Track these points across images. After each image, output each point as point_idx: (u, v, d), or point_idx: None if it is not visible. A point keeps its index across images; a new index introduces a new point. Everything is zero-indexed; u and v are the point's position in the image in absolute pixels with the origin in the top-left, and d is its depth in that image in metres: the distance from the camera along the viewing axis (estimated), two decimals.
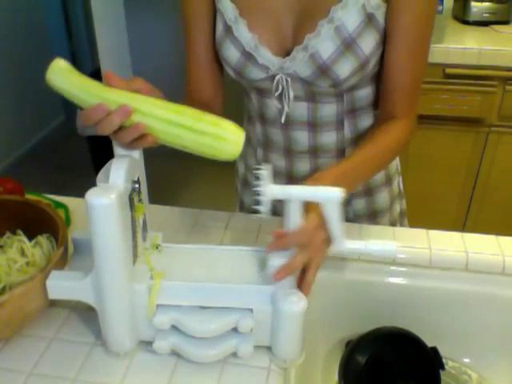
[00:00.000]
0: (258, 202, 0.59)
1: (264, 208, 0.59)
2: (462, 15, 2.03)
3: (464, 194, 1.96)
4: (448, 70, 1.74)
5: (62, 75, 0.58)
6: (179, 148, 0.60)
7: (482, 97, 1.77)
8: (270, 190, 0.58)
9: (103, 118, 0.57)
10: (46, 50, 3.43)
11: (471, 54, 1.72)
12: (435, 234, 0.84)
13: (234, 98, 0.98)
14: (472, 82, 1.75)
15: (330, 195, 0.59)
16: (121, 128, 0.58)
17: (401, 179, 1.03)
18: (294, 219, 0.60)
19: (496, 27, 1.96)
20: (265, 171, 0.59)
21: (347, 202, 0.96)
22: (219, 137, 0.59)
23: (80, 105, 0.58)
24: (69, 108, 3.53)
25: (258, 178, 0.59)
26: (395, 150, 0.83)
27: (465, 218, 2.01)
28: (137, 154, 0.63)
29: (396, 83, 0.81)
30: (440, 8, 1.84)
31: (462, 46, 1.74)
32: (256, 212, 0.60)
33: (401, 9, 0.76)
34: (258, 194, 0.59)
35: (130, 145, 0.60)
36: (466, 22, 2.01)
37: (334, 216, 0.60)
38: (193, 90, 0.90)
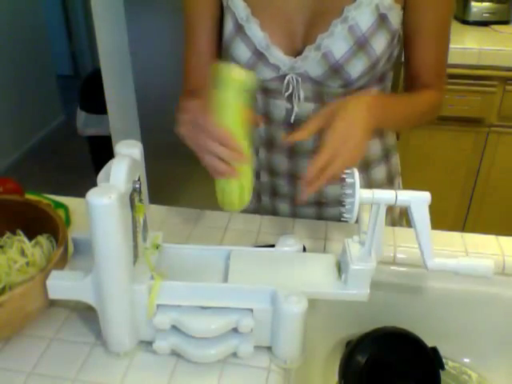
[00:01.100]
0: (346, 207, 0.59)
1: (352, 212, 0.59)
2: (461, 15, 2.03)
3: (464, 194, 1.96)
4: (448, 70, 1.74)
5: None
6: None
7: (482, 97, 1.77)
8: (360, 194, 0.58)
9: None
10: (46, 50, 3.43)
11: (471, 54, 1.72)
12: (435, 234, 0.84)
13: None
14: (472, 82, 1.75)
15: (418, 197, 0.60)
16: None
17: (401, 180, 1.03)
18: (380, 223, 0.61)
19: (496, 27, 1.96)
20: (353, 175, 0.59)
21: (325, 205, 0.96)
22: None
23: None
24: (69, 108, 3.53)
25: (346, 183, 0.60)
26: (427, 108, 0.86)
27: (465, 218, 2.01)
28: (137, 154, 0.63)
29: (424, 67, 0.85)
30: None
31: (462, 46, 1.74)
32: (342, 217, 0.60)
33: (422, 6, 0.78)
34: (347, 199, 0.59)
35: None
36: (465, 22, 2.01)
37: (423, 221, 0.60)
38: (190, 89, 0.90)
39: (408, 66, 0.87)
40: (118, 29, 2.12)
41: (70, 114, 3.49)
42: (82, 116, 2.83)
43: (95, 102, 2.63)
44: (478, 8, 1.98)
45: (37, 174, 2.98)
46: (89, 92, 2.81)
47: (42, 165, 3.15)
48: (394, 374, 0.74)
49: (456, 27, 1.99)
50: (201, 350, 0.62)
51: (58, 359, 0.64)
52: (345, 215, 0.60)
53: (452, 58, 1.70)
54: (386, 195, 0.59)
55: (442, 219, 1.48)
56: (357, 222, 0.66)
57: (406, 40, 0.84)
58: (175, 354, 0.64)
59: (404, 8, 0.79)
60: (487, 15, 1.99)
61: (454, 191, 1.96)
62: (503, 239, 0.83)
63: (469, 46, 1.75)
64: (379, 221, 0.61)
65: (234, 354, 0.64)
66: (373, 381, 0.74)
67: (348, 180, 0.60)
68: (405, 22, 0.81)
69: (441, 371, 0.72)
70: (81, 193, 0.60)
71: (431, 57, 0.85)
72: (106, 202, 0.54)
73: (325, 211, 0.97)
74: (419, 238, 0.61)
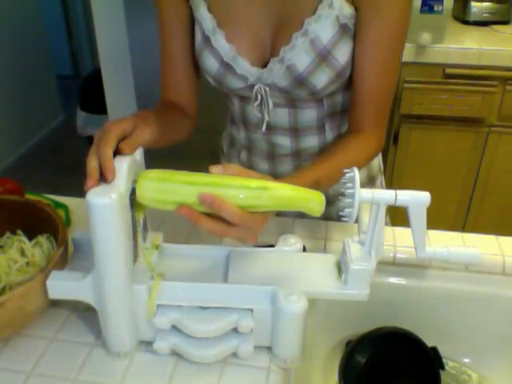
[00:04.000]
0: (346, 206, 0.59)
1: (353, 211, 0.58)
2: (461, 15, 2.03)
3: (464, 194, 1.96)
4: (448, 70, 1.74)
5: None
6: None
7: (482, 97, 1.77)
8: (360, 193, 0.58)
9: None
10: (46, 50, 3.43)
11: (471, 54, 1.72)
12: (435, 234, 0.84)
13: (220, 100, 0.99)
14: (472, 81, 1.75)
15: (418, 199, 0.59)
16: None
17: (383, 178, 1.04)
18: (380, 223, 0.61)
19: (496, 27, 1.96)
20: (353, 174, 0.59)
21: (331, 203, 0.96)
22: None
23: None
24: (69, 108, 3.53)
25: (346, 182, 0.60)
26: (358, 165, 0.81)
27: (465, 218, 2.01)
28: (138, 154, 0.63)
29: (364, 94, 0.80)
30: (440, 8, 1.84)
31: (462, 46, 1.74)
32: (342, 217, 0.59)
33: (370, 21, 0.75)
34: (347, 198, 0.59)
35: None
36: (466, 22, 2.01)
37: (419, 220, 0.60)
38: (168, 95, 0.90)
39: (353, 87, 0.81)
40: (118, 29, 2.12)
41: (70, 114, 3.49)
42: (81, 116, 2.83)
43: (95, 102, 2.63)
44: (477, 8, 1.98)
45: (37, 174, 2.98)
46: (89, 92, 2.81)
47: (42, 165, 3.15)
48: (394, 374, 0.75)
49: (456, 27, 1.99)
50: (201, 350, 0.62)
51: (58, 359, 0.64)
52: (344, 215, 0.60)
53: (452, 58, 1.73)
54: (385, 195, 0.59)
55: (441, 219, 1.49)
56: (356, 221, 0.66)
57: (353, 59, 0.79)
58: (175, 353, 0.64)
59: (356, 20, 0.76)
60: (487, 15, 1.99)
61: (453, 191, 1.96)
62: (503, 239, 0.83)
63: (469, 45, 1.75)
64: (379, 221, 0.61)
65: (234, 354, 0.64)
66: (373, 381, 0.75)
67: (348, 180, 0.60)
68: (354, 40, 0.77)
69: (441, 371, 0.72)
70: (81, 193, 0.60)
71: (374, 85, 0.79)
72: (106, 202, 0.54)
73: (331, 209, 0.97)
74: (414, 232, 0.62)
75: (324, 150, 0.91)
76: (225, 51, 0.80)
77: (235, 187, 0.57)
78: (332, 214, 0.97)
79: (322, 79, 0.78)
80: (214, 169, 0.59)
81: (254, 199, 0.57)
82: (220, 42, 0.80)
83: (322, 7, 0.74)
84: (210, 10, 0.80)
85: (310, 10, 0.75)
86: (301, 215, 0.97)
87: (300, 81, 0.78)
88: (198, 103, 0.93)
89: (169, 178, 0.59)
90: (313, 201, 0.59)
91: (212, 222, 0.57)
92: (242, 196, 0.57)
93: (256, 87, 0.82)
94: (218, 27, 0.80)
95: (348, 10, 0.75)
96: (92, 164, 0.58)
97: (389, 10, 0.74)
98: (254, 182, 0.58)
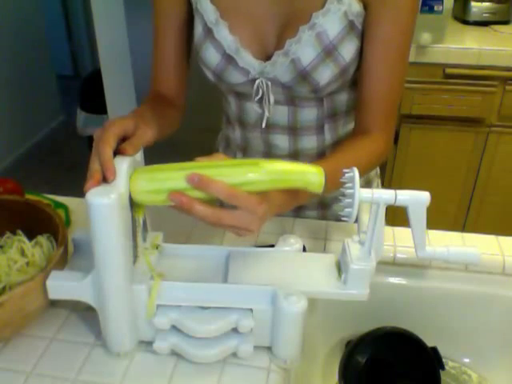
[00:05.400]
0: (346, 206, 0.59)
1: (352, 211, 0.58)
2: (462, 15, 2.03)
3: (464, 193, 1.96)
4: (448, 70, 1.74)
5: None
6: None
7: (482, 97, 1.77)
8: (360, 193, 0.58)
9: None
10: (46, 50, 3.43)
11: (471, 54, 1.72)
12: (435, 233, 0.84)
13: (218, 100, 0.99)
14: (472, 82, 1.75)
15: (418, 199, 0.59)
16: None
17: (380, 181, 1.03)
18: (380, 223, 0.61)
19: (496, 27, 1.96)
20: (353, 174, 0.59)
21: (328, 206, 0.96)
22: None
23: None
24: (69, 108, 3.53)
25: (346, 182, 0.59)
26: (366, 167, 0.80)
27: (465, 218, 2.01)
28: (138, 155, 0.63)
29: (373, 94, 0.79)
30: (440, 8, 1.84)
31: (462, 46, 1.74)
32: (342, 216, 0.59)
33: (379, 19, 0.75)
34: (347, 198, 0.59)
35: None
36: (466, 22, 2.01)
37: (419, 220, 0.60)
38: (158, 87, 0.90)
39: (360, 87, 0.81)
40: (118, 29, 2.12)
41: (70, 114, 3.49)
42: (82, 116, 2.83)
43: (95, 101, 2.63)
44: (478, 8, 1.98)
45: (37, 174, 2.98)
46: (89, 92, 2.81)
47: (42, 165, 3.15)
48: (394, 374, 0.75)
49: (456, 27, 1.99)
50: (201, 350, 0.62)
51: (58, 359, 0.64)
52: (344, 215, 0.60)
53: (452, 58, 1.73)
54: (385, 195, 0.59)
55: (442, 219, 1.49)
56: (356, 221, 0.66)
57: (362, 59, 0.79)
58: (175, 354, 0.64)
59: (365, 17, 0.76)
60: (487, 15, 1.99)
61: (454, 191, 1.96)
62: (503, 239, 0.83)
63: (469, 45, 1.75)
64: (379, 221, 0.61)
65: (234, 354, 0.64)
66: (373, 381, 0.75)
67: (348, 180, 0.60)
68: (363, 37, 0.77)
69: (441, 371, 0.72)
70: (81, 193, 0.60)
71: (383, 83, 0.78)
72: (106, 202, 0.54)
73: (327, 212, 0.97)
74: (414, 232, 0.62)
75: (325, 153, 0.90)
76: (228, 43, 0.79)
77: (225, 166, 0.57)
78: (330, 217, 0.96)
79: (325, 75, 0.77)
80: (199, 159, 0.59)
81: (245, 175, 0.56)
82: (223, 33, 0.79)
83: (331, 1, 0.74)
84: (212, 1, 0.80)
85: (318, 3, 0.75)
86: (301, 215, 0.97)
87: (303, 76, 0.78)
88: (186, 94, 0.92)
89: (159, 167, 0.59)
90: (312, 173, 0.58)
91: (207, 207, 0.57)
92: (231, 173, 0.56)
93: (258, 81, 0.81)
94: (220, 18, 0.79)
95: (357, 6, 0.75)
96: (94, 166, 0.58)
97: (397, 6, 0.74)
98: (245, 161, 0.58)
